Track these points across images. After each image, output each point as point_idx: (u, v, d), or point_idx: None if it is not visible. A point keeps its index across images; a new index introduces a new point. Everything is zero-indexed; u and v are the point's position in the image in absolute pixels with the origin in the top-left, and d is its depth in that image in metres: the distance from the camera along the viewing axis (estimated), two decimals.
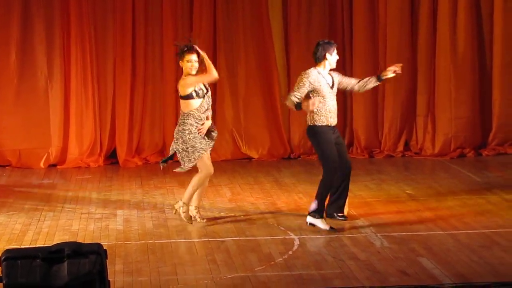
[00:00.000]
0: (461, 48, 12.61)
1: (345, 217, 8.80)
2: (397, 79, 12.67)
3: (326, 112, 8.62)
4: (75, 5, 12.16)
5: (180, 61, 8.74)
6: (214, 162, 9.11)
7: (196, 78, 8.65)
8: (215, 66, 12.49)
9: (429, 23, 12.66)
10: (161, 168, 9.04)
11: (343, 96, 12.84)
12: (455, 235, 8.23)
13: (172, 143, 8.78)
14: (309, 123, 8.66)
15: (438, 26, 12.62)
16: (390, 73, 8.80)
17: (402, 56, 12.65)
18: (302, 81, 8.57)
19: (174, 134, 8.77)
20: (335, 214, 8.79)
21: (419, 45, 12.73)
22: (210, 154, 8.89)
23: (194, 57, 8.68)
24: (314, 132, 8.63)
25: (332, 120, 8.69)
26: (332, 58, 8.71)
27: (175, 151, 8.75)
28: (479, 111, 12.81)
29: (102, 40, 12.35)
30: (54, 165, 12.32)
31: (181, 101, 8.71)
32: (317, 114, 8.58)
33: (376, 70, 12.74)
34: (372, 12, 12.66)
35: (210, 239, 8.29)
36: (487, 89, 12.84)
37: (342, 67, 12.79)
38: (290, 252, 7.73)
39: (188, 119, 8.61)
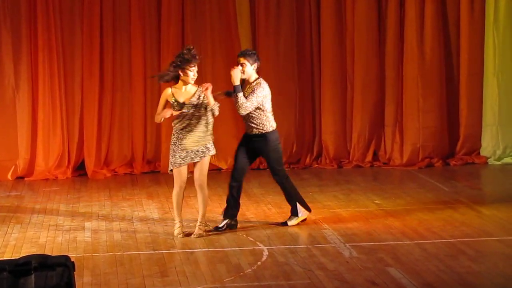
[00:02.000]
0: (428, 58, 12.71)
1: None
2: (366, 90, 12.80)
3: None
4: (42, 15, 12.10)
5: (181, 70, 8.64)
6: None
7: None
8: None
9: (396, 32, 12.75)
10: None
11: (312, 106, 12.90)
12: (422, 244, 8.27)
13: None
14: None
15: (405, 35, 12.71)
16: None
17: (370, 65, 12.75)
18: None
19: None
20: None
21: (386, 53, 12.80)
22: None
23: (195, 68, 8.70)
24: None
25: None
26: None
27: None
28: (447, 120, 12.90)
29: (69, 50, 12.30)
30: (21, 177, 12.23)
31: None
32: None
33: (345, 78, 12.83)
34: (339, 20, 12.72)
35: (179, 251, 8.27)
36: (454, 98, 12.93)
37: (310, 76, 12.89)
38: (259, 263, 7.74)
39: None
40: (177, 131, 8.67)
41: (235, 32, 12.56)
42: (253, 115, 8.90)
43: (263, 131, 8.95)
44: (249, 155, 9.05)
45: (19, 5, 12.09)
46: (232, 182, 9.03)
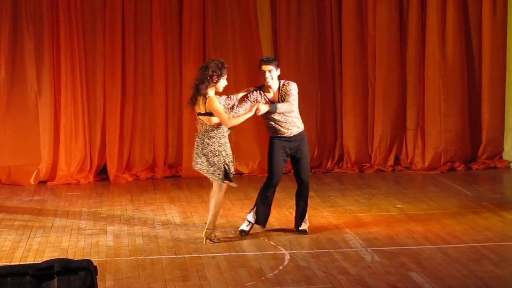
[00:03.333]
0: (450, 61, 12.67)
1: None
2: (387, 93, 12.77)
3: None
4: (64, 20, 12.17)
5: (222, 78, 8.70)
6: (204, 178, 9.10)
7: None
8: None
9: (418, 36, 12.72)
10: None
11: (333, 111, 12.88)
12: (444, 249, 8.24)
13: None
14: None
15: (427, 39, 12.68)
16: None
17: (391, 69, 12.73)
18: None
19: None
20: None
21: (408, 58, 12.78)
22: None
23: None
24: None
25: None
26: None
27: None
28: (469, 124, 12.85)
29: (91, 55, 12.36)
30: (44, 182, 12.29)
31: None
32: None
33: (366, 82, 12.81)
34: (361, 25, 12.71)
35: (200, 255, 8.28)
36: (476, 102, 12.88)
37: (331, 80, 12.87)
38: (281, 267, 7.73)
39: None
40: (224, 136, 8.66)
41: (256, 36, 12.57)
42: (293, 115, 8.86)
43: (302, 129, 8.93)
44: (285, 160, 8.98)
45: (41, 12, 12.16)
46: (271, 188, 8.97)
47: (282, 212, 10.03)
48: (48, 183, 12.25)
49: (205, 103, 8.59)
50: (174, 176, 12.57)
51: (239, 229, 9.00)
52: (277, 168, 8.87)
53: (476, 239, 8.57)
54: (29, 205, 10.84)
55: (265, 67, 8.88)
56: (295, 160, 8.94)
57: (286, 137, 8.86)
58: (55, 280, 5.16)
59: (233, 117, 8.70)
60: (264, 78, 8.87)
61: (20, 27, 12.15)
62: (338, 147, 12.93)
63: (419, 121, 12.82)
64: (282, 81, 8.97)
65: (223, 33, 12.56)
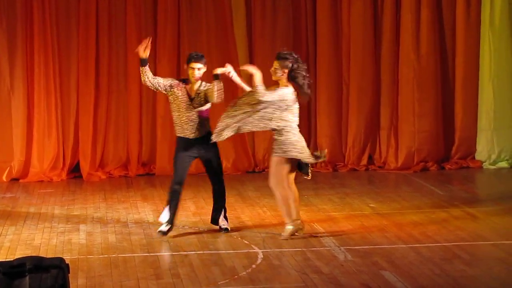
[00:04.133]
0: (424, 62, 12.72)
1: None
2: (361, 93, 12.81)
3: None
4: (38, 16, 12.10)
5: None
6: None
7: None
8: (180, 77, 12.56)
9: (392, 36, 12.77)
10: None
11: (307, 110, 12.90)
12: (417, 248, 8.27)
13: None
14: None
15: (401, 39, 12.73)
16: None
17: (365, 69, 12.76)
18: None
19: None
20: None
21: (382, 57, 12.82)
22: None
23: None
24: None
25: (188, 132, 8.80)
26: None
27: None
28: (442, 124, 12.92)
29: (65, 52, 12.30)
30: (16, 179, 12.22)
31: None
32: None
33: (340, 81, 12.84)
34: (335, 23, 12.74)
35: (173, 253, 8.26)
36: (450, 102, 12.95)
37: None
38: (254, 266, 7.73)
39: None
40: None
41: (231, 34, 12.56)
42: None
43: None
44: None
45: (14, 6, 12.09)
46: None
47: (255, 211, 10.03)
48: (20, 180, 12.17)
49: None
50: (148, 174, 12.53)
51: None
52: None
53: (448, 239, 8.61)
54: (1, 202, 10.77)
55: (195, 65, 8.88)
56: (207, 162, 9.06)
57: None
58: (27, 278, 5.14)
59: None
60: (193, 76, 8.85)
61: None
62: (312, 146, 12.93)
63: (393, 120, 12.87)
64: (202, 82, 8.94)
65: (198, 31, 12.54)
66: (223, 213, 9.03)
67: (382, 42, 12.79)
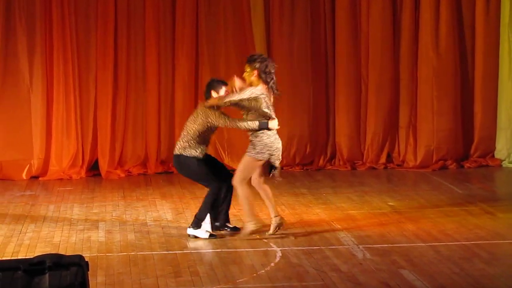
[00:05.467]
0: (443, 60, 12.68)
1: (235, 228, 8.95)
2: (380, 91, 12.78)
3: None
4: (57, 14, 12.14)
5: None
6: None
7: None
8: (198, 75, 12.58)
9: (411, 35, 12.72)
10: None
11: (326, 108, 12.89)
12: (436, 247, 8.25)
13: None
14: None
15: (420, 37, 12.69)
16: None
17: (384, 67, 12.73)
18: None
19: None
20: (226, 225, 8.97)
21: (401, 56, 12.78)
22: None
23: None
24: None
25: None
26: None
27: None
28: (461, 122, 12.87)
29: (84, 50, 12.33)
30: (36, 177, 12.27)
31: None
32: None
33: (359, 79, 12.81)
34: (354, 21, 12.71)
35: (192, 251, 8.28)
36: (469, 100, 12.90)
37: (324, 77, 12.87)
38: (272, 264, 7.74)
39: None
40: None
41: (249, 31, 12.56)
42: None
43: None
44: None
45: (34, 5, 12.13)
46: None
47: None
48: (40, 178, 12.22)
49: None
50: (166, 172, 12.55)
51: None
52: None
53: (467, 237, 8.58)
54: (21, 200, 10.82)
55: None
56: None
57: None
58: (47, 275, 5.16)
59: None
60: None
61: (12, 20, 12.11)
62: (331, 144, 12.93)
63: (412, 119, 12.83)
64: None
65: (216, 29, 12.55)
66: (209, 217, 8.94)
67: (401, 40, 12.75)
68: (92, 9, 12.29)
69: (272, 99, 8.80)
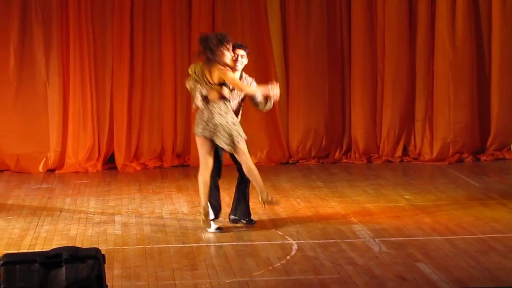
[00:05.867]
0: (459, 52, 12.63)
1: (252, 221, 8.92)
2: (396, 84, 12.74)
3: None
4: (73, 8, 12.16)
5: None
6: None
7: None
8: None
9: (427, 27, 12.68)
10: None
11: (342, 101, 12.87)
12: (452, 240, 8.23)
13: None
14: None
15: (436, 30, 12.64)
16: None
17: (400, 60, 12.69)
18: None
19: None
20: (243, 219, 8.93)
21: (417, 49, 12.73)
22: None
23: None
24: None
25: None
26: None
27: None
28: (478, 115, 12.82)
29: (100, 43, 12.35)
30: (52, 170, 12.31)
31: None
32: None
33: (375, 73, 12.78)
34: (370, 16, 12.67)
35: (208, 244, 8.29)
36: (486, 93, 12.84)
37: (340, 70, 12.85)
38: (288, 257, 7.74)
39: None
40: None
41: (266, 26, 12.55)
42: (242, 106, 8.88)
43: None
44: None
45: None
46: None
47: (289, 202, 10.03)
48: (56, 171, 12.27)
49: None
50: (182, 165, 12.57)
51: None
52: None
53: (484, 231, 8.56)
54: (37, 193, 10.86)
55: (239, 51, 8.72)
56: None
57: None
58: (63, 268, 5.18)
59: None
60: (236, 62, 8.68)
61: (29, 14, 12.15)
62: (346, 137, 12.91)
63: (428, 112, 12.79)
64: (243, 73, 8.85)
65: (232, 23, 12.54)
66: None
67: (417, 32, 12.71)
68: (108, 3, 12.30)
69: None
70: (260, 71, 12.60)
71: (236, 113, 8.72)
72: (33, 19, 12.15)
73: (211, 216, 8.74)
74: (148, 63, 12.51)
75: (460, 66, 12.64)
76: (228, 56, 8.54)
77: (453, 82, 12.64)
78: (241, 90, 8.61)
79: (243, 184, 8.87)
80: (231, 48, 8.60)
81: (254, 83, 8.83)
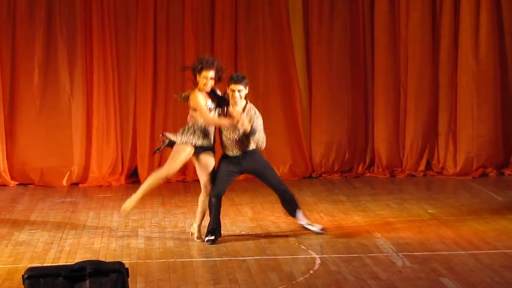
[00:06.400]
0: (483, 65, 12.59)
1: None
2: (419, 97, 12.71)
3: None
4: (97, 24, 12.26)
5: (198, 75, 8.78)
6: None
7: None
8: None
9: (451, 40, 12.65)
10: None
11: (365, 114, 12.85)
12: (477, 255, 8.19)
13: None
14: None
15: (460, 43, 12.61)
16: None
17: (423, 73, 12.67)
18: None
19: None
20: None
21: (440, 62, 12.71)
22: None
23: (211, 73, 8.75)
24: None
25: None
26: None
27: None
28: (501, 129, 12.76)
29: (123, 58, 12.43)
30: (76, 184, 12.37)
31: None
32: None
33: (398, 85, 12.76)
34: (393, 28, 12.66)
35: (231, 258, 8.29)
36: (509, 107, 12.79)
37: (363, 83, 12.84)
38: (311, 272, 7.72)
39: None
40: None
41: (288, 39, 12.57)
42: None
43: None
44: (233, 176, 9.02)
45: (74, 14, 12.25)
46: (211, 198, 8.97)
47: (312, 216, 10.00)
48: (80, 185, 12.32)
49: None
50: None
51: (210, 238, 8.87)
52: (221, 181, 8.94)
53: (508, 246, 8.50)
54: (61, 207, 10.91)
55: (235, 87, 8.78)
56: (258, 175, 8.97)
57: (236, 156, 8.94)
58: (87, 281, 5.20)
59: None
60: (233, 98, 8.75)
61: (53, 29, 12.25)
62: (369, 151, 12.89)
63: (451, 125, 12.75)
64: (248, 103, 8.86)
65: (254, 36, 12.57)
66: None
67: (440, 46, 12.68)
68: (132, 19, 12.38)
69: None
70: (283, 86, 12.65)
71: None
72: (58, 34, 12.24)
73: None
74: (171, 79, 12.55)
75: (483, 79, 12.60)
76: (202, 82, 8.77)
77: (477, 95, 12.59)
78: (203, 118, 8.72)
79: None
80: (212, 74, 8.78)
81: (260, 119, 8.83)
